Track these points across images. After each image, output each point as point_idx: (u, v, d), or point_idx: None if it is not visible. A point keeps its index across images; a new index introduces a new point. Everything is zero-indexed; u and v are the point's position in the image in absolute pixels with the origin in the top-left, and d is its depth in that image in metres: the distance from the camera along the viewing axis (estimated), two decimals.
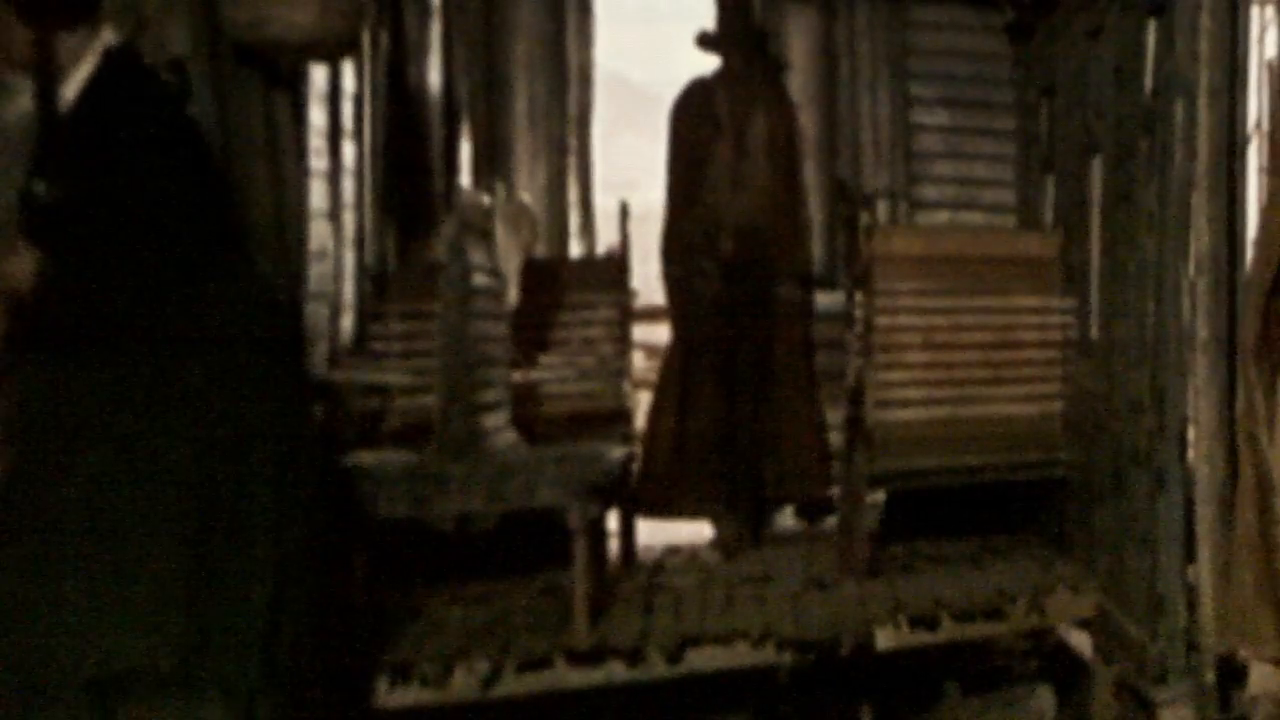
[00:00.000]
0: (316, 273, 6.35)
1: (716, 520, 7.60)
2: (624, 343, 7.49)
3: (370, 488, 5.75)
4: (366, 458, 6.13)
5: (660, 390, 7.58)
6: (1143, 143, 6.31)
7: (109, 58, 3.30)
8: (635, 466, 7.36)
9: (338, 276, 6.73)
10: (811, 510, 7.96)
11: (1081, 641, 6.69)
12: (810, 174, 8.26)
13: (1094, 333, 7.13)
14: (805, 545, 7.57)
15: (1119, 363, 6.58)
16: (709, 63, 7.84)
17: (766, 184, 7.45)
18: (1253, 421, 5.26)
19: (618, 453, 6.57)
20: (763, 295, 7.48)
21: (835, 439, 7.63)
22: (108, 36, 3.37)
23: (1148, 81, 6.33)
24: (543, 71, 8.31)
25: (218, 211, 3.38)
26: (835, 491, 7.64)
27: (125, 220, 3.16)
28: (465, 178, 7.84)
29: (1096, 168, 7.07)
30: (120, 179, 3.19)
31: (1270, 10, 6.07)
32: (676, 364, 7.54)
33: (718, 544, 7.55)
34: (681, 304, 7.55)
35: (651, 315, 8.41)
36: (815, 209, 8.33)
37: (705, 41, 7.59)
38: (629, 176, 8.25)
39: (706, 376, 7.43)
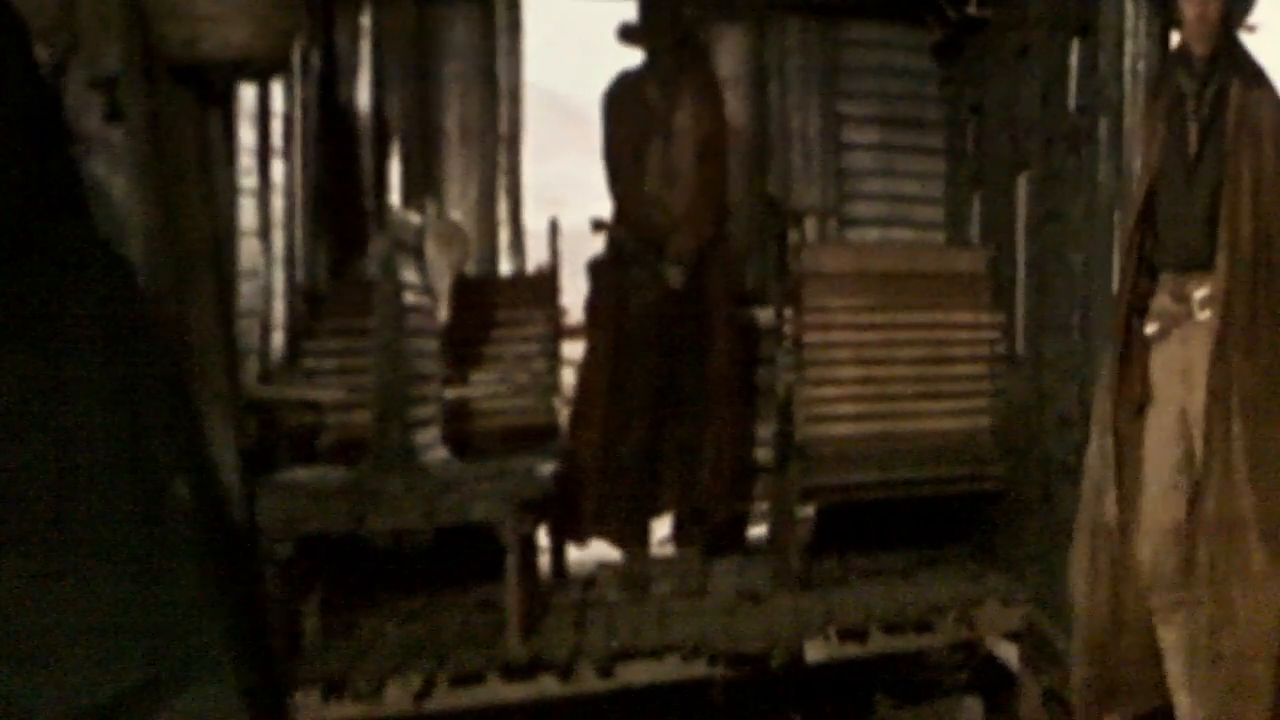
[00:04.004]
0: (247, 290, 6.33)
1: (627, 547, 7.35)
2: (555, 358, 7.51)
3: (305, 504, 5.74)
4: (300, 474, 6.13)
5: (583, 406, 7.25)
6: (1069, 160, 6.37)
7: None
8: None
9: (268, 294, 6.70)
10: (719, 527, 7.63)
11: (1010, 653, 6.73)
12: (741, 191, 8.15)
13: (1022, 348, 7.18)
14: (739, 559, 7.52)
15: (1047, 377, 6.64)
16: None
17: (695, 181, 7.21)
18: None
19: (550, 468, 6.54)
20: (697, 306, 7.25)
21: (764, 454, 7.53)
22: None
23: (1073, 100, 6.40)
24: (473, 90, 8.30)
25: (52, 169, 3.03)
26: (759, 507, 7.67)
27: None
28: (396, 196, 7.85)
29: (1023, 185, 7.12)
30: None
31: None
32: (602, 378, 7.20)
33: (624, 572, 7.27)
34: (613, 313, 7.23)
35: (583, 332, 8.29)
36: (746, 226, 8.27)
37: (628, 35, 7.30)
38: (560, 195, 8.13)
39: (636, 392, 7.16)
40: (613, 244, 7.27)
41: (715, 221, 7.32)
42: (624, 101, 7.29)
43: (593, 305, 7.28)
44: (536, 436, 7.25)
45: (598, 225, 7.33)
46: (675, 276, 7.03)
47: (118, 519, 2.78)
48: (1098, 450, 5.16)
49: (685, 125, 7.19)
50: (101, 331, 2.90)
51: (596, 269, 7.27)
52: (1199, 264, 4.92)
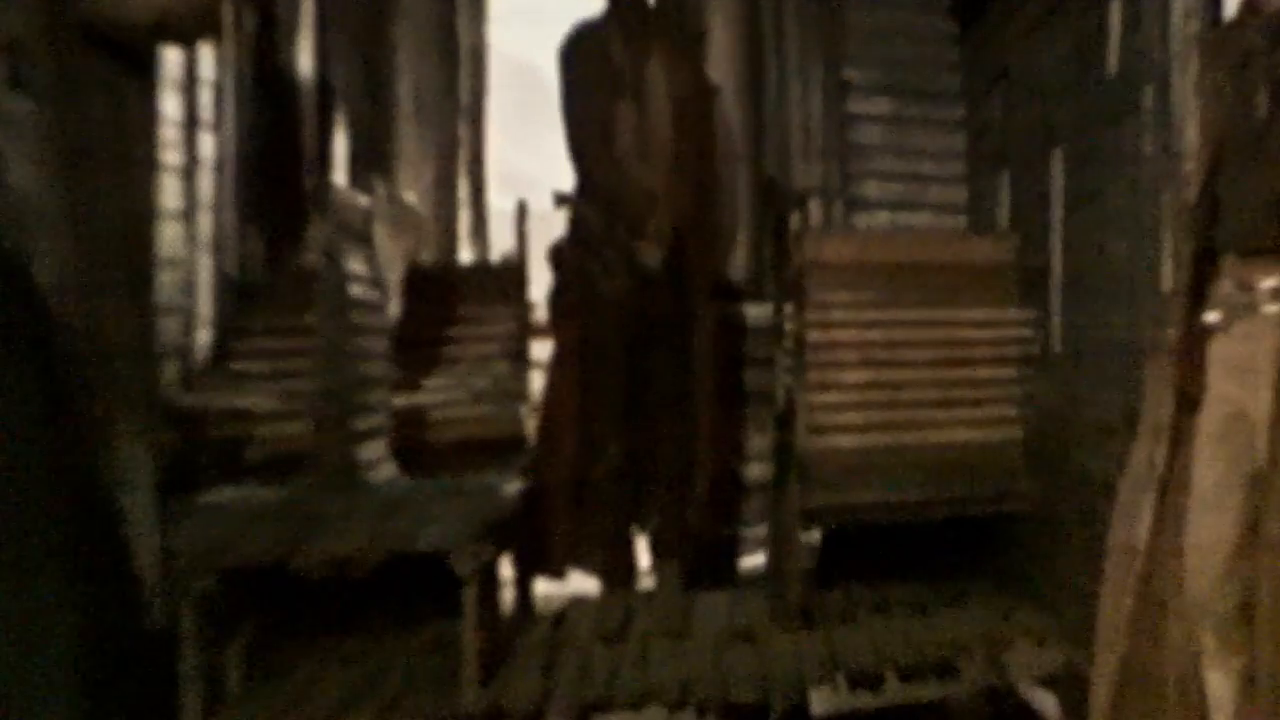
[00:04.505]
0: (167, 281, 5.84)
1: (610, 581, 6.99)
2: (522, 361, 7.09)
3: (230, 529, 5.33)
4: (226, 494, 5.73)
5: (552, 414, 6.85)
6: (1108, 134, 5.90)
7: None
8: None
9: (192, 285, 6.19)
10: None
11: (1047, 702, 6.16)
12: (732, 169, 7.71)
13: (1057, 347, 6.70)
14: (730, 592, 7.05)
15: (1085, 381, 6.16)
16: None
17: (673, 150, 6.81)
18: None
19: (515, 486, 6.16)
20: (676, 295, 6.88)
21: (761, 469, 7.17)
22: None
23: (1113, 66, 5.94)
24: (430, 55, 7.89)
25: None
26: (752, 532, 7.28)
27: None
28: (341, 174, 7.32)
29: (1057, 162, 6.65)
30: None
31: None
32: (570, 383, 6.83)
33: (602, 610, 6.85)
34: (580, 304, 6.86)
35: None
36: (740, 210, 7.84)
37: None
38: (539, 178, 7.86)
39: (610, 397, 6.79)
40: (577, 223, 6.86)
41: (697, 197, 6.96)
42: (584, 58, 6.91)
43: (557, 296, 6.89)
44: (499, 450, 6.81)
45: (561, 200, 6.92)
46: (651, 257, 6.61)
47: (51, 527, 3.02)
48: (1145, 459, 4.62)
49: (658, 85, 6.84)
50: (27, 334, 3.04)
51: (559, 254, 6.85)
52: (1267, 249, 4.32)
